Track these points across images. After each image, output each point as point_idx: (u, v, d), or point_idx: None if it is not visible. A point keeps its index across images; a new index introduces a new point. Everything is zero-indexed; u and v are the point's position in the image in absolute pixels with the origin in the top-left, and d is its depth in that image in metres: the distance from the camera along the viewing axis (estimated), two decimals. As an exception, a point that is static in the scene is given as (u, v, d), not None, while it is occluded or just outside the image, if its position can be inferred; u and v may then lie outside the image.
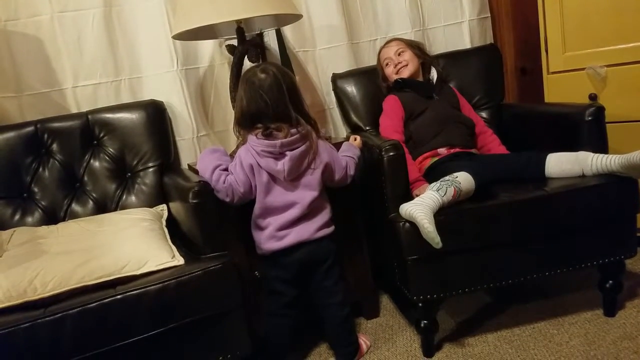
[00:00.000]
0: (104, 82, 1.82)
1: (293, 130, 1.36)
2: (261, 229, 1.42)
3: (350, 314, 1.50)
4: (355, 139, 1.60)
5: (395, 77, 1.86)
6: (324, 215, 1.44)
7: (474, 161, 1.62)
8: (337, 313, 1.47)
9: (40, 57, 1.75)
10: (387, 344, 1.59)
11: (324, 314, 1.48)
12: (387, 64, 1.90)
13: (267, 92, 1.34)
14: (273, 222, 1.40)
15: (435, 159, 1.69)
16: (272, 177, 1.39)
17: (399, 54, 1.87)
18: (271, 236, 1.40)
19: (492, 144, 1.84)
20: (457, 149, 1.71)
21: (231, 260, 1.29)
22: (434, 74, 1.90)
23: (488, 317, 1.65)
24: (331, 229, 1.46)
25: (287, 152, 1.36)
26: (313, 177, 1.40)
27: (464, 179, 1.39)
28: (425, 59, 1.91)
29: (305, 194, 1.39)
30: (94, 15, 1.78)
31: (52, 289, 1.16)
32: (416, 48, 1.91)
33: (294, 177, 1.39)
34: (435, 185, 1.38)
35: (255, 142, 1.36)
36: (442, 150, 1.70)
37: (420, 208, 1.31)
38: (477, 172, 1.43)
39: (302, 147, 1.37)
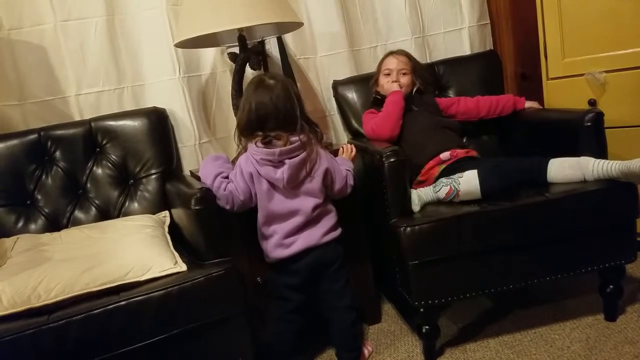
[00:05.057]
0: (106, 89, 1.83)
1: (293, 139, 1.37)
2: (267, 237, 1.42)
3: (357, 318, 1.50)
4: (351, 150, 1.60)
5: (386, 88, 1.86)
6: (330, 219, 1.45)
7: (485, 162, 1.62)
8: (345, 316, 1.47)
9: (44, 66, 1.77)
10: (388, 349, 1.59)
11: (332, 316, 1.48)
12: (386, 74, 1.90)
13: (278, 96, 1.36)
14: (279, 230, 1.40)
15: (443, 166, 1.66)
16: (272, 185, 1.39)
17: (402, 74, 1.87)
18: (278, 244, 1.40)
19: (497, 101, 1.90)
20: (456, 150, 1.70)
21: (234, 266, 1.29)
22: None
23: (489, 322, 1.65)
24: (338, 232, 1.46)
25: (286, 160, 1.36)
26: (313, 185, 1.41)
27: (465, 180, 1.45)
28: (420, 86, 1.91)
29: (307, 201, 1.40)
30: (97, 24, 1.79)
31: (55, 296, 1.17)
32: (419, 77, 1.91)
33: (294, 185, 1.39)
34: (440, 180, 1.52)
35: (255, 150, 1.37)
36: (446, 155, 1.68)
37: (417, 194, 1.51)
38: (485, 176, 1.45)
39: (302, 155, 1.38)
